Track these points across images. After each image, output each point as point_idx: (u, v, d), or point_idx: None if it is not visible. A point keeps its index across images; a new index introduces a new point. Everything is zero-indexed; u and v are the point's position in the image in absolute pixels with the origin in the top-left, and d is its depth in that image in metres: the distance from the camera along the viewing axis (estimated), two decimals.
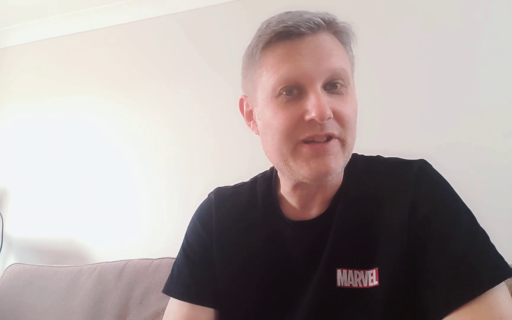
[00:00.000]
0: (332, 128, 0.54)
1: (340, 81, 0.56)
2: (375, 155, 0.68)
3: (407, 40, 1.49)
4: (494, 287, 0.47)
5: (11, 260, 1.76)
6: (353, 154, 0.66)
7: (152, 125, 1.79)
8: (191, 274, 0.67)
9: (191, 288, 0.66)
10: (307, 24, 0.54)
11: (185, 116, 1.74)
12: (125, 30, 1.92)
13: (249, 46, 0.61)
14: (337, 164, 0.55)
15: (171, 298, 0.68)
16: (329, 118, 0.53)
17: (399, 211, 0.57)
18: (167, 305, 0.69)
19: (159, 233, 1.66)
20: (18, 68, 2.08)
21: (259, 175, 0.74)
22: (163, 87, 1.80)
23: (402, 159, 0.64)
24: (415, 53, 1.48)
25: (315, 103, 0.52)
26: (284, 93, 0.55)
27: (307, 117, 0.53)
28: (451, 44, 1.44)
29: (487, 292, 0.47)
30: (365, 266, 0.57)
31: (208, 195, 0.75)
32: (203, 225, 0.70)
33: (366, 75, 1.40)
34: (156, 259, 1.25)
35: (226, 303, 0.65)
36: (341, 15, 0.60)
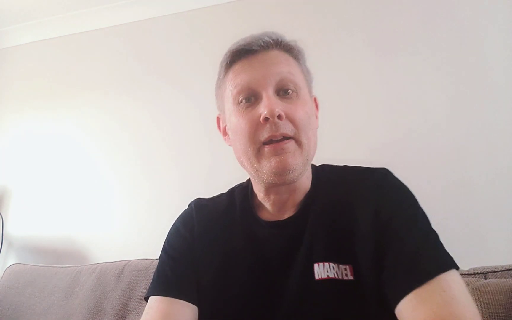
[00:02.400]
0: (286, 128, 0.61)
1: (291, 86, 0.64)
2: (342, 165, 0.74)
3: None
4: (446, 273, 0.53)
5: (11, 260, 1.76)
6: (321, 165, 0.75)
7: (152, 125, 1.79)
8: (173, 270, 0.68)
9: (172, 283, 0.66)
10: (257, 43, 0.65)
11: (185, 117, 1.74)
12: (125, 30, 1.92)
13: (218, 71, 0.71)
14: (295, 160, 0.62)
15: (150, 297, 0.67)
16: (280, 115, 0.60)
17: (366, 214, 0.62)
18: (146, 304, 0.66)
19: (159, 233, 1.65)
20: (19, 68, 2.09)
21: (236, 186, 0.79)
22: (163, 87, 1.80)
23: (366, 167, 0.70)
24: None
25: (266, 103, 0.61)
26: (243, 101, 0.64)
27: (261, 117, 0.61)
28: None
29: (440, 277, 0.52)
30: (340, 261, 0.61)
31: (189, 205, 0.79)
32: (185, 227, 0.74)
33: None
34: (156, 259, 1.25)
35: (207, 302, 0.65)
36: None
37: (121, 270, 1.27)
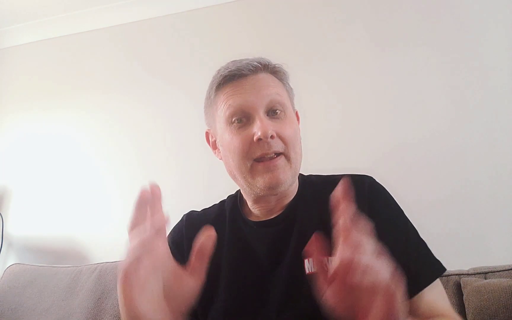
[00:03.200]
0: (277, 146, 0.67)
1: (279, 107, 0.70)
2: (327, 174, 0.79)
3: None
4: (432, 286, 0.61)
5: (11, 260, 1.76)
6: (308, 174, 0.81)
7: (152, 126, 1.79)
8: None
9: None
10: (247, 67, 0.70)
11: (185, 117, 1.74)
12: (125, 30, 1.92)
13: (207, 90, 0.76)
14: (285, 175, 0.68)
15: None
16: (272, 136, 0.66)
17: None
18: None
19: None
20: (19, 68, 2.08)
21: (227, 196, 0.84)
22: (163, 87, 1.80)
23: (352, 173, 0.73)
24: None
25: (260, 125, 0.66)
26: (236, 122, 0.69)
27: (255, 137, 0.66)
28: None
29: (428, 291, 0.60)
30: (328, 254, 0.62)
31: (181, 218, 0.82)
32: (175, 245, 0.75)
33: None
34: None
35: (199, 305, 0.66)
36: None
37: None
